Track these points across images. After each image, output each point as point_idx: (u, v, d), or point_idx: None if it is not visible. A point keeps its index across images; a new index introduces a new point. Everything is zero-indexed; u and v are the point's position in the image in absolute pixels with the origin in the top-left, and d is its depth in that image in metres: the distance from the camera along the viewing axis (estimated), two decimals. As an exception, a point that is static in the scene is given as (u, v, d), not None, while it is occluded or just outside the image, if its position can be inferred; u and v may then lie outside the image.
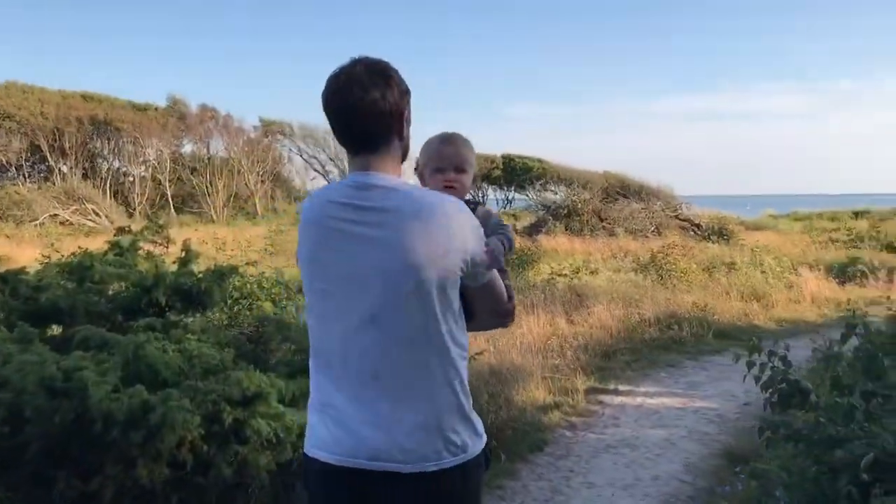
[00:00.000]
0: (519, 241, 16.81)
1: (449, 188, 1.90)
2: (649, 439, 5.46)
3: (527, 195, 37.61)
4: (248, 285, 6.21)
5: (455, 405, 1.72)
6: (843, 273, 13.10)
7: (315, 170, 40.18)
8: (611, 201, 23.45)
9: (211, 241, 16.28)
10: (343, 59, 1.72)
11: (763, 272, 12.93)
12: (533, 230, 21.26)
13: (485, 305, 1.85)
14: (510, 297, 1.91)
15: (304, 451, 1.79)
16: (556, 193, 31.72)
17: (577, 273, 11.55)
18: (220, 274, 4.54)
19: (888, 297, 11.90)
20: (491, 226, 1.88)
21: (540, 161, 38.39)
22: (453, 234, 1.67)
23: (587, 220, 20.85)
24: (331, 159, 38.92)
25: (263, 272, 7.34)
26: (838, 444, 2.85)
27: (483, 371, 6.23)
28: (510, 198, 41.09)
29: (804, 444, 3.10)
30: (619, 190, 28.28)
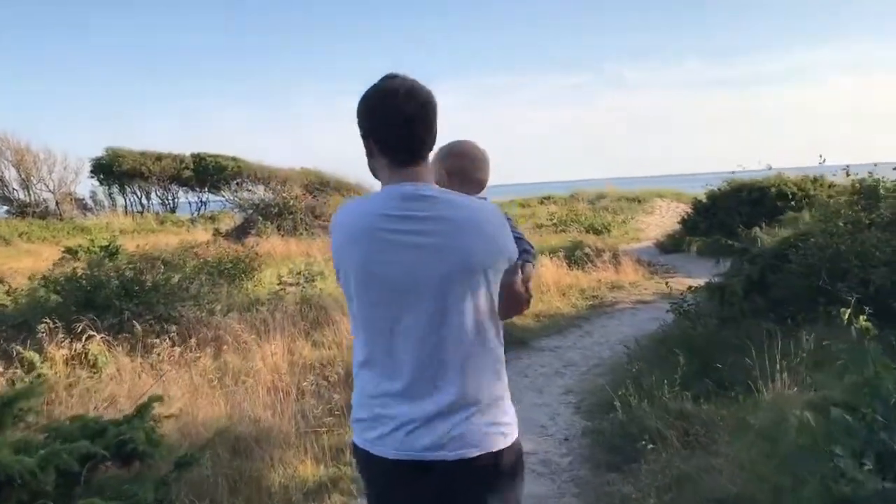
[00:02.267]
0: (235, 249, 14.60)
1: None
2: None
3: (222, 196, 34.83)
4: None
5: (503, 393, 1.92)
6: (570, 258, 12.79)
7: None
8: (319, 197, 21.88)
9: None
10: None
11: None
12: (240, 232, 18.95)
13: (507, 300, 1.94)
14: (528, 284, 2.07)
15: (361, 446, 1.91)
16: (254, 193, 29.76)
17: (311, 280, 9.73)
18: None
19: (632, 283, 11.81)
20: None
21: (234, 159, 35.74)
22: (498, 236, 1.86)
23: (301, 219, 19.03)
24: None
25: None
26: None
27: (198, 439, 4.31)
28: (204, 199, 37.62)
29: None
30: (319, 186, 27.09)
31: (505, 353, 1.96)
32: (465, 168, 2.21)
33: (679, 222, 17.19)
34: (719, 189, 15.63)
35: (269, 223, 18.62)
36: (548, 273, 11.28)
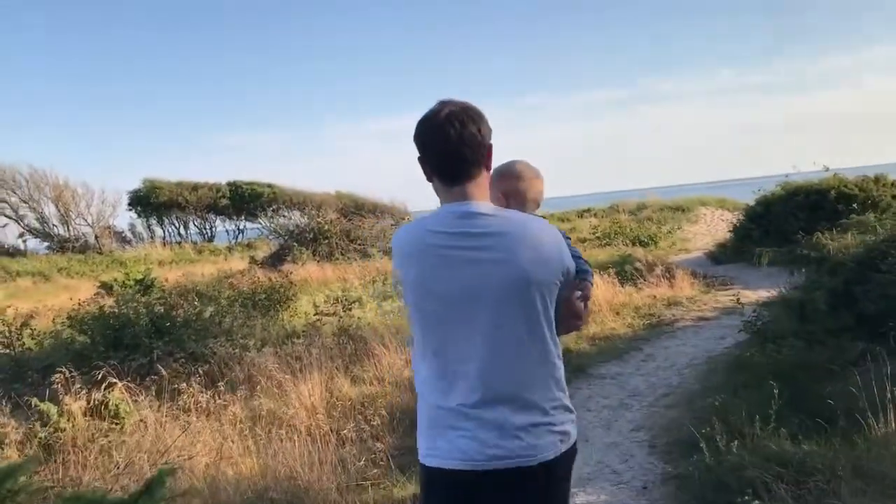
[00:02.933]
0: (270, 276, 14.21)
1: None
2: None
3: (259, 223, 34.70)
4: None
5: (560, 398, 1.95)
6: (620, 274, 12.08)
7: (5, 215, 33.37)
8: (354, 220, 21.48)
9: None
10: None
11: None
12: (276, 259, 18.57)
13: (565, 314, 2.03)
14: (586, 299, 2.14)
15: (427, 464, 1.95)
16: (290, 218, 29.54)
17: (349, 309, 9.19)
18: None
19: (689, 298, 11.08)
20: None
21: (270, 186, 35.66)
22: (554, 251, 1.92)
23: (336, 243, 18.60)
24: (24, 202, 32.59)
25: None
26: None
27: None
28: (241, 227, 37.51)
29: None
30: (354, 209, 26.77)
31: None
32: (519, 189, 2.27)
33: (730, 230, 16.33)
34: (772, 194, 14.79)
35: (304, 249, 18.22)
36: (598, 291, 10.59)
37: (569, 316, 2.05)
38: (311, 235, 18.70)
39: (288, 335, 9.17)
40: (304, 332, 9.01)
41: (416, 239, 1.94)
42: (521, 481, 1.86)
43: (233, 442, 4.94)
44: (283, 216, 31.28)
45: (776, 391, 4.38)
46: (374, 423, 5.43)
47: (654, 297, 10.94)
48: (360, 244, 19.06)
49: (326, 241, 18.65)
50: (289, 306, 10.64)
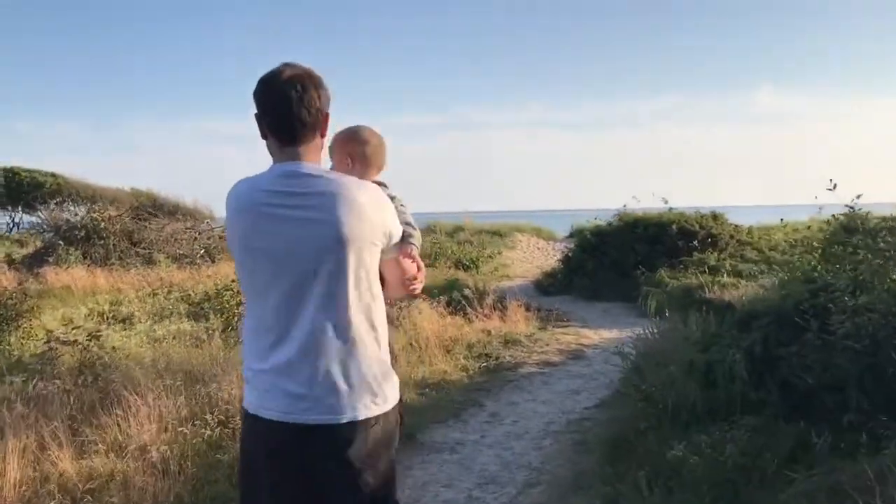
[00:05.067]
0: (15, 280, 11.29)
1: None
2: None
3: (39, 216, 30.15)
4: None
5: (377, 361, 2.00)
6: (450, 303, 10.44)
7: None
8: (143, 221, 18.52)
9: None
10: None
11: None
12: (36, 261, 15.31)
13: (395, 276, 2.17)
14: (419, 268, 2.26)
15: (246, 409, 2.03)
16: (76, 214, 25.79)
17: (96, 336, 6.74)
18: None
19: (527, 335, 9.56)
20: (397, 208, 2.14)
21: (54, 176, 31.14)
22: (375, 212, 1.98)
23: (115, 245, 15.65)
24: None
25: None
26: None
27: None
28: (17, 220, 32.49)
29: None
30: (152, 210, 24.02)
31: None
32: (365, 153, 2.38)
33: (561, 260, 15.29)
34: (609, 224, 13.88)
35: (73, 249, 15.11)
36: (423, 320, 8.88)
37: (396, 276, 2.17)
38: (83, 234, 15.59)
39: (13, 366, 6.65)
40: (32, 362, 6.55)
41: (245, 196, 2.00)
42: (321, 439, 1.93)
43: None
44: (68, 211, 27.35)
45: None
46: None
47: (489, 332, 9.35)
48: (144, 248, 16.20)
49: (102, 241, 15.63)
50: (20, 325, 7.94)
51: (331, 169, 2.27)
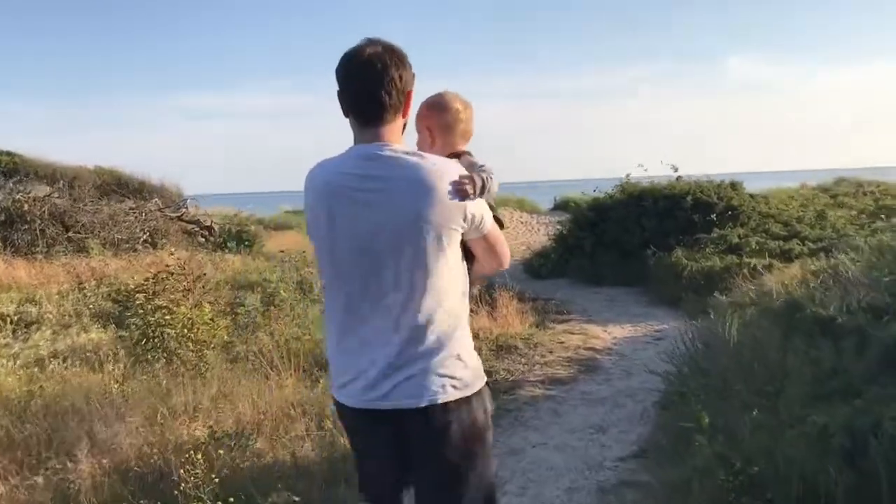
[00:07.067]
0: None
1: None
2: None
3: (-6, 197, 27.84)
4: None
5: (458, 344, 1.97)
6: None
7: None
8: (94, 202, 16.49)
9: None
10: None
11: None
12: (-50, 250, 13.23)
13: (485, 251, 2.06)
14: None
15: (333, 394, 2.07)
16: (31, 192, 23.66)
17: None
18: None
19: (523, 338, 7.73)
20: (476, 170, 1.99)
21: (9, 154, 28.95)
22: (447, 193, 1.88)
23: (43, 230, 13.61)
24: None
25: None
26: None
27: None
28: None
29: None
30: (117, 189, 22.37)
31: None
32: (447, 123, 2.19)
33: (554, 239, 13.44)
34: (610, 196, 12.03)
35: (-9, 236, 13.07)
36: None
37: (487, 257, 2.07)
38: (4, 218, 13.55)
39: None
40: None
41: (322, 179, 1.98)
42: (407, 422, 1.93)
43: None
44: (20, 191, 25.21)
45: None
46: None
47: (476, 335, 7.49)
48: (79, 231, 14.19)
49: (28, 226, 13.59)
50: None
51: (417, 144, 2.20)
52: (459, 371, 1.94)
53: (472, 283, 2.08)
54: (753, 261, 8.95)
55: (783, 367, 3.52)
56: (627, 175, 11.96)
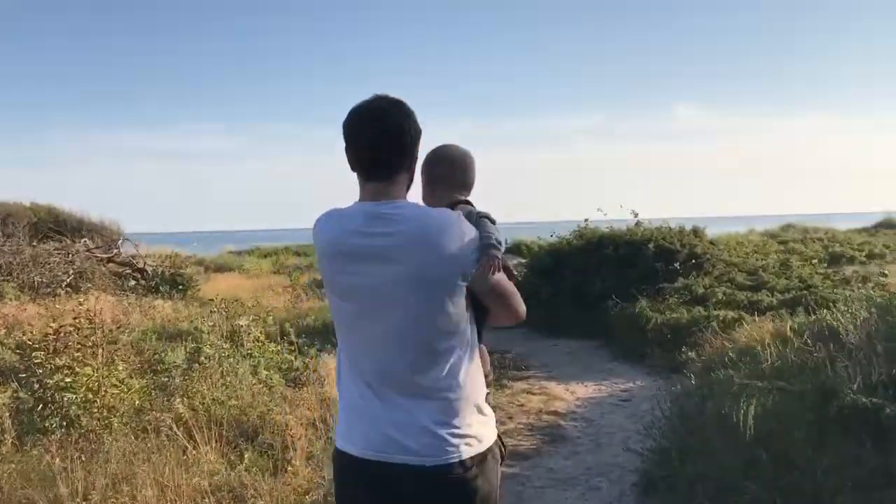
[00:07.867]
0: None
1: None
2: None
3: None
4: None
5: (465, 399, 1.90)
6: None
7: None
8: (23, 242, 15.35)
9: None
10: None
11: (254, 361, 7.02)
12: None
13: (496, 304, 2.01)
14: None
15: (337, 445, 2.00)
16: None
17: None
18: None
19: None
20: (474, 222, 1.96)
21: (-66, 190, 27.55)
22: (453, 247, 1.86)
23: (-48, 273, 12.44)
24: None
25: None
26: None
27: None
28: None
29: None
30: (53, 226, 21.33)
31: None
32: (447, 174, 2.22)
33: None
34: (568, 242, 11.43)
35: None
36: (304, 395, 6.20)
37: (500, 309, 2.03)
38: None
39: None
40: None
41: (331, 235, 1.97)
42: (418, 480, 1.86)
43: None
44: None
45: None
46: None
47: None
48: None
49: (-65, 268, 12.42)
50: None
51: (422, 196, 2.23)
52: (469, 429, 1.91)
53: (481, 334, 2.04)
54: (721, 313, 8.41)
55: (812, 466, 2.84)
56: (586, 220, 11.39)
